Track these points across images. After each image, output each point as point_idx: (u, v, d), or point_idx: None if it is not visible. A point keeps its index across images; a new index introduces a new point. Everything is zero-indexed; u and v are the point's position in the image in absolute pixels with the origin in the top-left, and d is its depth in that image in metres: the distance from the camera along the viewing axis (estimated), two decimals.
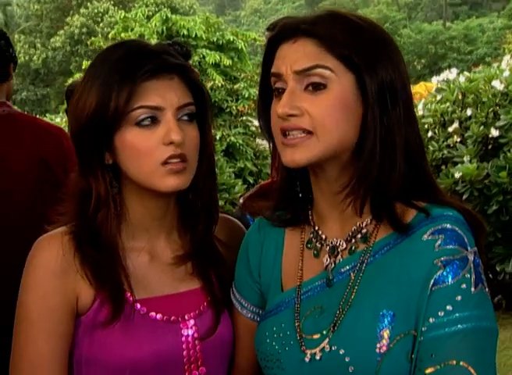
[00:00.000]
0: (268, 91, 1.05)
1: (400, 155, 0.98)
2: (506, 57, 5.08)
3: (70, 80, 17.13)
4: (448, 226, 0.96)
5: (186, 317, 1.14)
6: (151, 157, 1.07)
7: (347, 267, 1.02)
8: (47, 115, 14.18)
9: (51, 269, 1.10)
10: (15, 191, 2.07)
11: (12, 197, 2.05)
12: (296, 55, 0.98)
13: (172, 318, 1.13)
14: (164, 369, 1.10)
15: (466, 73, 4.86)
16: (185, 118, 1.10)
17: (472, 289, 0.93)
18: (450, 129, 4.47)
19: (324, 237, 1.06)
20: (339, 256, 1.04)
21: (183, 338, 1.12)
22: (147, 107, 1.07)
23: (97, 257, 1.11)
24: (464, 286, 0.93)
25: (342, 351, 0.96)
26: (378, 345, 0.93)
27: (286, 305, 1.06)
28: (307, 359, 0.99)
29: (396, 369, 0.93)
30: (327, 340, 0.98)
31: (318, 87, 0.97)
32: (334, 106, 0.96)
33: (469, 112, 4.41)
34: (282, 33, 1.02)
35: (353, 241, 1.03)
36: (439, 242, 0.95)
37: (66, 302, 1.10)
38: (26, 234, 1.97)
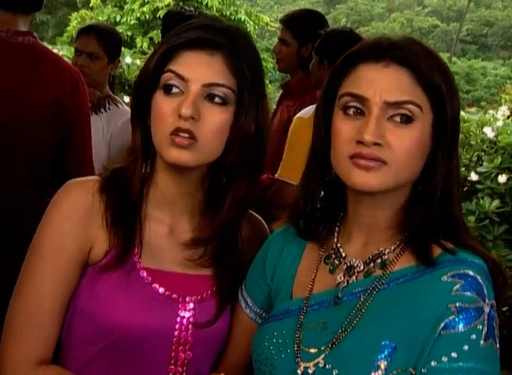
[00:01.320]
0: (329, 100, 1.04)
1: (456, 194, 1.01)
2: (503, 108, 5.17)
3: (74, 14, 16.76)
4: (470, 272, 0.95)
5: (187, 299, 1.13)
6: (164, 124, 1.07)
7: (359, 289, 1.01)
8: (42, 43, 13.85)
9: (75, 211, 1.09)
10: (28, 124, 2.02)
11: (22, 131, 2.01)
12: (389, 84, 0.97)
13: (174, 295, 1.12)
14: (151, 342, 1.10)
15: (462, 113, 4.93)
16: (216, 99, 1.08)
17: (481, 342, 0.91)
18: None
19: (344, 255, 1.06)
20: (354, 277, 1.03)
21: (178, 318, 1.12)
22: (174, 73, 1.07)
23: (119, 208, 1.11)
24: (473, 336, 0.91)
25: (335, 372, 0.95)
26: (372, 374, 0.92)
27: (291, 314, 1.06)
28: (299, 372, 0.99)
29: None
30: (323, 356, 0.98)
31: (405, 121, 0.97)
32: (416, 142, 0.97)
33: None
34: (367, 52, 1.00)
35: (372, 265, 1.02)
36: (457, 286, 0.94)
37: (80, 248, 1.10)
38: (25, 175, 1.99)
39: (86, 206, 1.10)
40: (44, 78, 2.07)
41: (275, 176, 2.73)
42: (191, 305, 1.13)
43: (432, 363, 0.91)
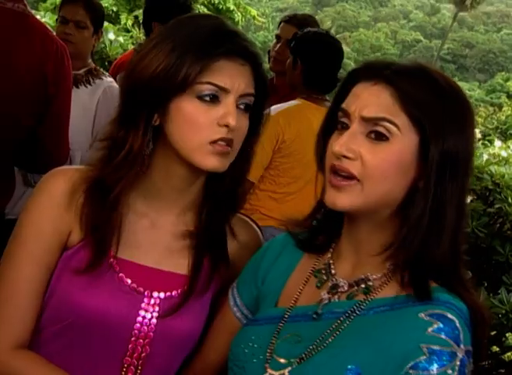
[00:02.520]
0: (334, 119, 1.03)
1: (448, 232, 0.96)
2: (476, 130, 5.29)
3: None
4: (449, 315, 0.93)
5: (154, 294, 1.13)
6: (202, 133, 1.07)
7: (339, 310, 1.01)
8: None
9: (54, 198, 1.11)
10: (9, 93, 1.96)
11: (2, 100, 1.95)
12: (369, 100, 0.97)
13: (140, 288, 1.12)
14: (110, 331, 1.10)
15: None
16: (242, 107, 1.10)
17: None
18: None
19: (333, 272, 1.05)
20: (337, 296, 1.03)
21: (141, 312, 1.12)
22: (215, 85, 1.07)
23: (98, 206, 1.11)
24: None
25: None
26: None
27: (272, 321, 1.06)
28: None
29: None
30: (289, 368, 0.98)
31: (380, 138, 0.96)
32: (389, 162, 0.95)
33: None
34: (364, 71, 1.01)
35: (356, 288, 1.02)
36: (433, 327, 0.92)
37: (58, 232, 1.12)
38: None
39: (65, 193, 1.12)
40: (31, 50, 2.01)
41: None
42: (157, 301, 1.13)
43: None
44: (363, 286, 1.02)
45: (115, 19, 14.36)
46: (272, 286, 1.12)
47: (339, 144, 0.97)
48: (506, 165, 4.44)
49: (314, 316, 1.03)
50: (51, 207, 1.11)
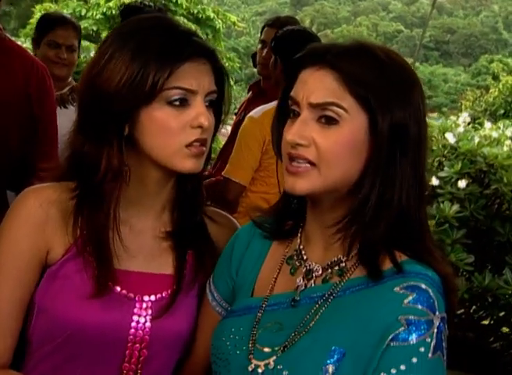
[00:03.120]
0: (286, 107, 1.04)
1: (396, 204, 0.98)
2: (464, 114, 5.29)
3: (38, 6, 16.45)
4: (422, 285, 0.95)
5: (144, 298, 1.13)
6: (177, 137, 1.08)
7: (316, 294, 1.02)
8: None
9: (30, 218, 1.11)
10: None
11: None
12: (315, 86, 0.98)
13: (130, 294, 1.13)
14: (106, 340, 1.10)
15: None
16: (207, 104, 1.11)
17: (429, 355, 0.92)
18: None
19: (305, 257, 1.06)
20: (312, 281, 1.04)
21: (135, 317, 1.12)
22: (183, 89, 1.07)
23: (96, 222, 1.11)
24: (422, 349, 0.92)
25: (285, 373, 0.96)
26: None
27: (250, 311, 1.06)
28: (249, 369, 1.00)
29: None
30: (274, 357, 0.99)
31: (330, 122, 0.97)
32: (342, 144, 0.97)
33: None
34: (308, 57, 1.02)
35: (330, 271, 1.03)
36: (409, 299, 0.94)
37: (37, 253, 1.11)
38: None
39: (41, 213, 1.11)
40: (12, 72, 2.04)
41: (222, 173, 2.74)
42: (149, 304, 1.14)
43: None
44: (336, 268, 1.03)
45: (95, 38, 14.38)
46: (247, 276, 1.12)
47: (291, 133, 0.99)
48: (499, 145, 4.44)
49: (293, 303, 1.04)
50: (27, 226, 1.11)
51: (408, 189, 0.99)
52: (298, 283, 1.05)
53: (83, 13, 15.61)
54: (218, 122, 1.17)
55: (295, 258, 1.08)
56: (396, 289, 0.96)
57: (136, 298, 1.13)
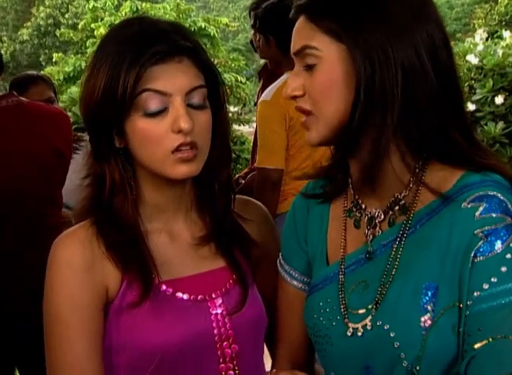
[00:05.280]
0: None
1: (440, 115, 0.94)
2: (480, 31, 5.13)
3: (42, 73, 16.84)
4: (490, 192, 0.91)
5: (213, 295, 1.12)
6: (161, 145, 1.05)
7: (388, 240, 0.99)
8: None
9: (76, 265, 1.08)
10: (28, 177, 2.10)
11: (25, 183, 2.09)
12: (295, 35, 0.98)
13: (200, 297, 1.11)
14: (196, 349, 1.09)
15: None
16: (195, 102, 1.06)
17: None
18: None
19: (364, 206, 1.03)
20: (378, 228, 1.01)
21: (213, 317, 1.11)
22: (153, 90, 1.03)
23: (120, 239, 1.09)
24: (508, 256, 0.88)
25: (386, 327, 0.93)
26: (422, 319, 0.90)
27: (331, 280, 1.04)
28: (349, 333, 0.98)
29: (442, 343, 0.90)
30: (370, 317, 0.96)
31: (310, 67, 0.97)
32: (323, 83, 0.95)
33: None
34: (293, 12, 1.01)
35: (392, 212, 1.00)
36: (480, 210, 0.91)
37: (96, 297, 1.09)
38: (43, 222, 2.07)
39: (83, 256, 1.08)
40: (40, 133, 2.14)
41: (255, 165, 2.70)
42: (220, 300, 1.12)
43: (475, 294, 0.88)
44: (397, 208, 0.99)
45: None
46: (316, 244, 1.10)
47: (285, 88, 0.99)
48: None
49: (368, 255, 1.00)
50: (76, 277, 1.08)
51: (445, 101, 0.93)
52: (366, 234, 1.02)
53: (83, 65, 15.88)
54: (221, 114, 1.12)
55: (354, 209, 1.05)
56: (464, 204, 0.92)
57: (207, 298, 1.12)
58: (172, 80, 1.04)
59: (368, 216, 1.02)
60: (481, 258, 0.89)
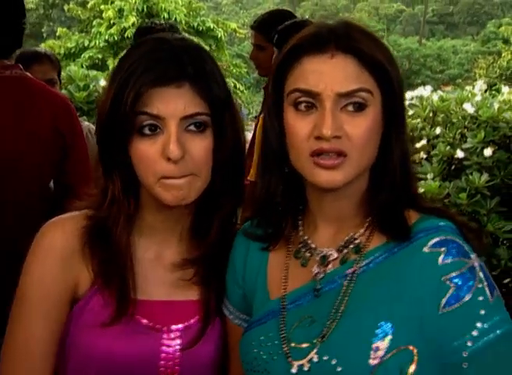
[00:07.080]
0: (278, 97, 1.02)
1: (412, 171, 1.04)
2: (480, 82, 5.20)
3: (42, 45, 16.73)
4: (448, 237, 0.94)
5: (172, 328, 1.11)
6: (152, 169, 1.05)
7: (338, 276, 1.00)
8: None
9: (54, 253, 1.09)
10: (27, 152, 2.08)
11: (24, 159, 2.08)
12: (338, 75, 0.96)
13: (157, 326, 1.11)
14: (137, 372, 1.09)
15: (440, 92, 4.96)
16: (192, 127, 1.05)
17: (490, 299, 0.91)
18: (418, 145, 4.55)
19: (314, 246, 1.05)
20: (330, 266, 1.02)
21: (163, 348, 1.10)
22: (148, 114, 1.03)
23: (106, 252, 1.09)
24: (481, 298, 0.91)
25: (334, 361, 0.94)
26: (371, 356, 0.91)
27: (274, 315, 1.04)
28: (293, 370, 0.97)
29: None
30: (315, 350, 0.96)
31: (359, 109, 0.97)
32: (370, 128, 0.97)
33: (438, 130, 4.49)
34: (309, 44, 0.98)
35: (345, 251, 1.02)
36: (442, 256, 0.93)
37: (65, 288, 1.09)
38: (38, 198, 2.03)
39: (64, 246, 1.09)
40: (36, 107, 2.12)
41: (248, 177, 2.72)
42: (177, 334, 1.11)
43: (469, 343, 0.90)
44: (351, 246, 1.01)
45: (102, 66, 14.54)
46: (254, 280, 1.10)
47: (326, 127, 0.94)
48: None
49: (316, 292, 1.01)
50: (53, 262, 1.09)
51: (406, 151, 1.02)
52: (314, 271, 1.03)
53: (86, 44, 15.80)
54: (224, 141, 1.10)
55: (303, 250, 1.06)
56: (425, 249, 0.94)
57: (164, 329, 1.11)
58: (168, 104, 1.03)
59: (320, 255, 1.03)
60: (456, 305, 0.91)
